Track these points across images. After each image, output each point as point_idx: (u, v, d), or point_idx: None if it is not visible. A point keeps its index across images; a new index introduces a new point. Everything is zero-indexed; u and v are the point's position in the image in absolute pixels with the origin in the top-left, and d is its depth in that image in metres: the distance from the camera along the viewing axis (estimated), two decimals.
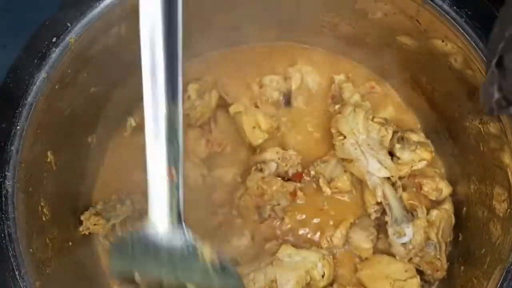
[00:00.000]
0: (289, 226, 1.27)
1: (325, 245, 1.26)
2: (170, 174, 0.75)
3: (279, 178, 1.26)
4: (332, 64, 1.39)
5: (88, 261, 1.25)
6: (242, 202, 1.25)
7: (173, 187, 0.76)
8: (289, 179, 1.28)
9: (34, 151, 1.04)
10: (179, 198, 0.77)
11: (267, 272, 1.17)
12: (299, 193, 1.28)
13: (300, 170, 1.30)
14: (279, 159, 1.29)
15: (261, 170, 1.26)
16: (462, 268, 1.19)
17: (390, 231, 1.20)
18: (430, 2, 1.04)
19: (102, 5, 1.04)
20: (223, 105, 1.33)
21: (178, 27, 0.72)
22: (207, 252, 0.78)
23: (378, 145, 1.23)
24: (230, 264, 0.79)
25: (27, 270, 0.98)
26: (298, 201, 1.29)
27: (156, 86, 0.76)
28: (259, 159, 1.30)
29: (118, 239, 0.87)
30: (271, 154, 1.29)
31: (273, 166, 1.29)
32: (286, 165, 1.29)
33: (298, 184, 1.28)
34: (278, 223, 1.27)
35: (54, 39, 1.02)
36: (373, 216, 1.26)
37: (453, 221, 1.25)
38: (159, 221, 0.77)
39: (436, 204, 1.26)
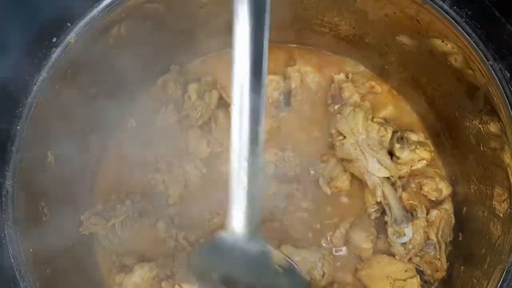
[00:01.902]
0: (288, 226, 1.27)
1: (325, 245, 1.27)
2: (251, 185, 0.81)
3: (275, 180, 1.26)
4: (332, 64, 1.39)
5: (88, 261, 1.25)
6: None
7: (253, 196, 0.82)
8: (287, 181, 1.28)
9: (34, 151, 1.04)
10: (257, 211, 0.84)
11: None
12: (297, 195, 1.28)
13: (298, 171, 1.30)
14: (277, 160, 1.29)
15: None
16: (462, 268, 1.19)
17: (389, 231, 1.20)
18: (430, 2, 1.04)
19: (102, 5, 1.04)
20: (223, 105, 1.33)
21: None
22: (277, 257, 0.88)
23: (378, 145, 1.23)
24: (296, 267, 0.90)
25: (27, 270, 0.98)
26: (297, 202, 1.29)
27: (241, 139, 0.80)
28: None
29: (204, 243, 0.99)
30: (269, 155, 1.29)
31: (271, 168, 1.29)
32: (284, 167, 1.29)
33: (295, 186, 1.28)
34: (277, 224, 1.27)
35: (54, 39, 1.02)
36: (373, 216, 1.26)
37: (453, 221, 1.25)
38: (236, 225, 0.85)
39: (436, 204, 1.26)
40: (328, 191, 1.27)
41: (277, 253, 0.89)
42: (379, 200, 1.22)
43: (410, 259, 1.20)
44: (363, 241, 1.23)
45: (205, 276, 0.96)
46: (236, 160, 0.80)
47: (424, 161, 1.26)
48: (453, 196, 1.28)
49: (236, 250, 0.87)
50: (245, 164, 0.79)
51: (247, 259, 0.88)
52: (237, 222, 0.84)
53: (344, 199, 1.29)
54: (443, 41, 1.09)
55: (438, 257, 1.20)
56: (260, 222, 0.86)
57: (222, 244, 0.88)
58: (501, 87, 0.99)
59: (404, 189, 1.26)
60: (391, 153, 1.25)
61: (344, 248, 1.27)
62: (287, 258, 0.90)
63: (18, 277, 0.97)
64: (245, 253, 0.87)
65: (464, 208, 1.25)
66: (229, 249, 0.88)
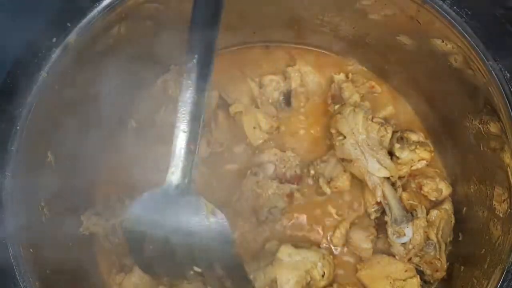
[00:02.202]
0: (288, 226, 1.27)
1: (325, 245, 1.27)
2: (189, 146, 0.95)
3: (275, 181, 1.26)
4: (332, 64, 1.40)
5: (88, 261, 1.25)
6: (238, 207, 1.25)
7: (190, 156, 0.95)
8: (287, 181, 1.28)
9: (34, 151, 1.04)
10: (193, 166, 0.96)
11: (267, 271, 1.17)
12: (296, 195, 1.28)
13: (298, 172, 1.30)
14: (277, 160, 1.29)
15: (255, 174, 1.26)
16: (462, 268, 1.19)
17: (389, 231, 1.20)
18: (430, 2, 1.04)
19: (102, 5, 1.04)
20: (223, 105, 1.33)
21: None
22: (208, 206, 0.96)
23: (378, 145, 1.23)
24: (224, 217, 0.97)
25: (27, 270, 0.98)
26: (297, 202, 1.29)
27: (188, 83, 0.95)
28: (257, 160, 1.30)
29: (140, 198, 1.03)
30: (269, 155, 1.29)
31: (270, 168, 1.29)
32: (284, 167, 1.29)
33: (295, 186, 1.28)
34: (277, 224, 1.28)
35: (54, 39, 1.02)
36: (373, 216, 1.26)
37: (453, 221, 1.25)
38: (175, 179, 0.96)
39: (436, 204, 1.26)
40: (328, 191, 1.27)
41: (208, 205, 0.97)
42: (379, 200, 1.22)
43: (410, 259, 1.20)
44: (363, 241, 1.23)
45: (137, 239, 1.02)
46: (180, 127, 0.95)
47: (424, 161, 1.26)
48: (453, 196, 1.28)
49: (170, 207, 0.97)
50: (186, 129, 0.94)
51: (180, 215, 0.98)
52: (175, 176, 0.96)
53: (344, 199, 1.29)
54: (443, 41, 1.09)
55: (438, 257, 1.20)
56: (194, 179, 0.97)
57: (159, 197, 0.98)
58: (501, 87, 0.99)
59: (404, 189, 1.26)
60: (391, 153, 1.25)
61: (344, 248, 1.27)
62: (217, 210, 0.97)
63: (18, 277, 0.96)
64: (179, 208, 0.97)
65: (464, 208, 1.25)
66: (163, 206, 0.97)
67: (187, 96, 0.93)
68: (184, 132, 0.95)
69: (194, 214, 0.98)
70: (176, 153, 0.96)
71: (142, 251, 1.05)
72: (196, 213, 0.98)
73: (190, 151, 0.95)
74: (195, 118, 0.94)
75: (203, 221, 0.97)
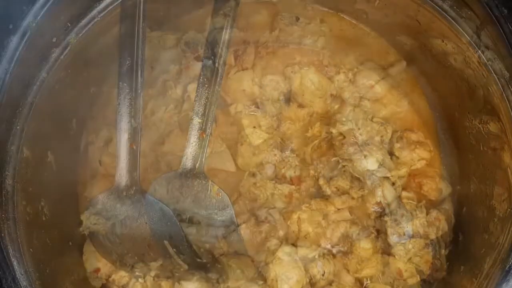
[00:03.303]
0: (288, 226, 1.27)
1: (325, 245, 1.27)
2: (201, 136, 1.09)
3: (273, 181, 1.26)
4: (331, 64, 1.39)
5: (88, 261, 1.25)
6: (236, 208, 1.25)
7: (201, 144, 1.10)
8: (286, 182, 1.29)
9: (34, 151, 1.04)
10: (204, 153, 1.11)
11: (268, 270, 1.17)
12: (295, 195, 1.28)
13: (298, 172, 1.30)
14: (276, 161, 1.29)
15: (253, 175, 1.27)
16: (462, 268, 1.19)
17: (389, 231, 1.21)
18: (430, 2, 1.04)
19: (102, 5, 1.04)
20: (223, 105, 1.33)
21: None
22: (214, 188, 1.10)
23: (378, 144, 1.23)
24: (227, 197, 1.11)
25: (27, 270, 0.98)
26: (296, 202, 1.29)
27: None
28: (257, 160, 1.30)
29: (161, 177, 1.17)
30: (268, 156, 1.30)
31: (270, 168, 1.29)
32: (284, 167, 1.29)
33: (293, 187, 1.28)
34: (276, 224, 1.27)
35: (54, 39, 1.02)
36: (373, 216, 1.26)
37: (453, 221, 1.25)
38: (188, 163, 1.11)
39: (436, 204, 1.26)
40: (328, 191, 1.27)
41: (214, 186, 1.11)
42: (379, 200, 1.22)
43: (410, 259, 1.21)
44: (363, 241, 1.23)
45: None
46: (194, 119, 1.09)
47: (424, 161, 1.27)
48: (453, 196, 1.28)
49: (184, 186, 1.11)
50: (199, 121, 1.09)
51: (192, 191, 1.11)
52: (189, 160, 1.11)
53: (344, 199, 1.29)
54: (443, 41, 1.09)
55: (438, 257, 1.20)
56: (204, 162, 1.12)
57: (174, 178, 1.13)
58: (501, 87, 0.99)
59: (404, 189, 1.26)
60: (391, 153, 1.25)
61: (344, 248, 1.27)
62: (221, 190, 1.11)
63: (18, 277, 0.97)
64: (191, 187, 1.11)
65: (464, 208, 1.25)
66: (179, 183, 1.12)
67: (202, 94, 1.09)
68: (198, 124, 1.09)
69: (203, 193, 1.11)
70: (191, 142, 1.10)
71: None
72: (204, 192, 1.11)
73: (201, 140, 1.10)
74: (206, 113, 1.09)
75: (210, 200, 1.11)
